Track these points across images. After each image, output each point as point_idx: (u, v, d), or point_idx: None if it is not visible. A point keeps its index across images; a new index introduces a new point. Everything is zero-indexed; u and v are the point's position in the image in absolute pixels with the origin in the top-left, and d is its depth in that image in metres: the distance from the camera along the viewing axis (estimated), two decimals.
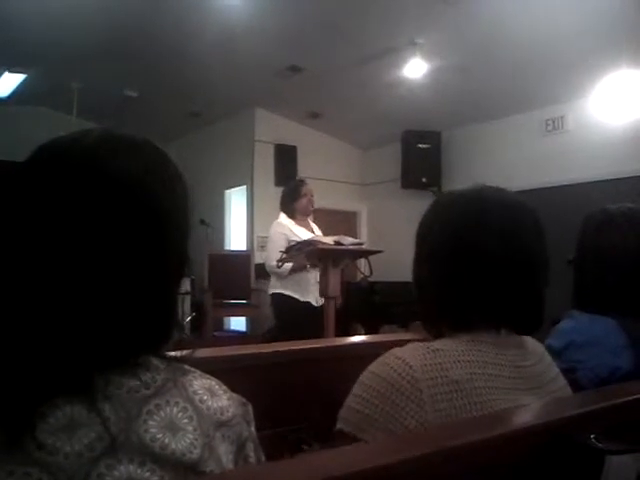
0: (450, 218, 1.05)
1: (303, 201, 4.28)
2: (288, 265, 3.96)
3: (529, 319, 1.03)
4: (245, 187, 7.68)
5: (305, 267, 4.00)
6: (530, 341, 1.06)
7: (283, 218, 4.25)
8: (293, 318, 3.91)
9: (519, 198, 1.07)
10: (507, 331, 1.00)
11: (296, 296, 4.08)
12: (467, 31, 5.08)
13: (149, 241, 0.69)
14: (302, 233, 4.12)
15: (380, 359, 0.93)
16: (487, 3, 4.65)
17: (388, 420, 0.86)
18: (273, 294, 4.18)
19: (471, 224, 1.00)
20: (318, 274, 3.89)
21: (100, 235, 0.65)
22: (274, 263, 3.95)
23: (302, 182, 4.47)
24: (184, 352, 0.75)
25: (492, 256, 0.97)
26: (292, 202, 4.28)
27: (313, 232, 4.28)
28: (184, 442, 0.64)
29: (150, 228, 0.69)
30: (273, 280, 4.19)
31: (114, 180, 0.68)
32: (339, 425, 0.91)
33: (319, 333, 3.46)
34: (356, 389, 0.92)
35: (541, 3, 4.52)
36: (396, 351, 0.92)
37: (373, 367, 0.92)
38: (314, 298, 4.09)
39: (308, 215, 4.38)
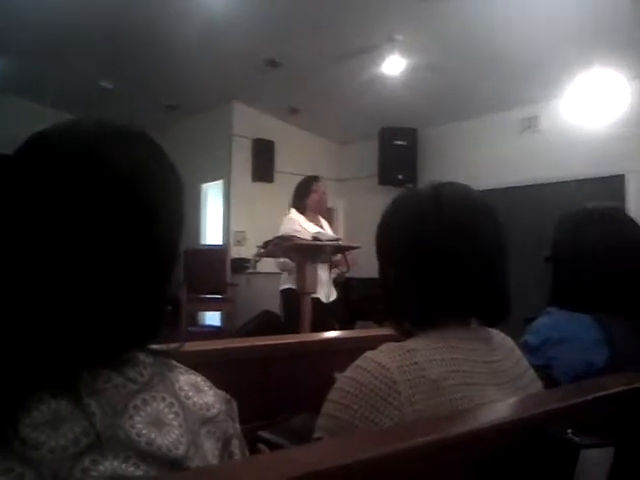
0: (408, 216, 1.05)
1: (315, 197, 4.21)
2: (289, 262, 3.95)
3: (495, 310, 1.04)
4: (222, 182, 7.64)
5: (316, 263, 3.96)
6: (499, 336, 1.06)
7: (294, 213, 4.19)
8: (300, 313, 3.88)
9: (476, 194, 1.08)
10: (476, 324, 1.02)
11: None
12: (445, 29, 5.11)
13: (140, 236, 0.67)
14: (311, 228, 4.07)
15: (355, 363, 0.92)
16: (466, 2, 4.68)
17: (367, 424, 0.85)
18: (283, 290, 4.13)
19: (427, 221, 1.00)
20: (328, 270, 3.91)
21: (90, 229, 0.64)
22: (282, 260, 3.93)
23: (315, 178, 4.35)
24: (170, 346, 0.74)
25: (450, 252, 0.97)
26: (304, 198, 4.21)
27: (323, 228, 4.23)
28: (170, 438, 0.63)
29: (142, 223, 0.68)
30: (284, 276, 4.15)
31: (107, 174, 0.66)
32: (318, 433, 0.89)
33: (327, 328, 3.45)
34: (333, 395, 0.90)
35: (518, 4, 4.57)
36: (371, 354, 0.91)
37: (349, 372, 0.91)
38: (324, 294, 4.06)
39: (320, 211, 4.33)
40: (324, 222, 4.38)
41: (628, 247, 1.39)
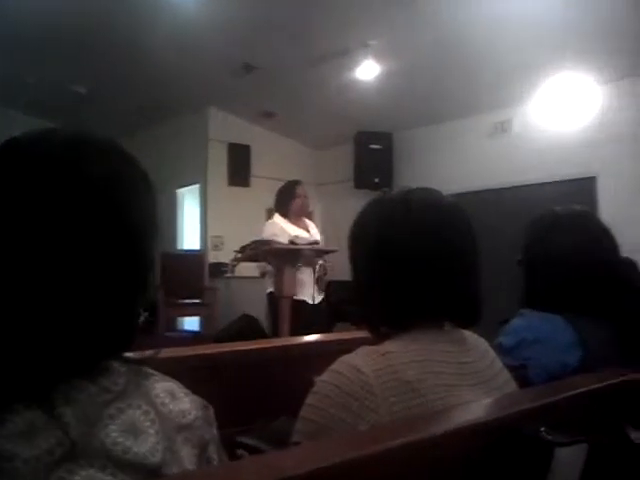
0: (378, 220, 1.06)
1: (298, 201, 4.26)
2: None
3: (467, 312, 1.05)
4: (198, 186, 7.60)
5: (298, 267, 3.98)
6: (472, 337, 1.08)
7: (276, 218, 4.22)
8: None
9: (447, 198, 1.10)
10: (449, 326, 1.03)
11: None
12: (419, 34, 5.15)
13: (113, 243, 0.67)
14: (293, 231, 4.09)
15: (332, 367, 0.92)
16: (439, 7, 4.73)
17: (344, 428, 0.85)
18: (269, 293, 4.14)
19: (397, 224, 1.02)
20: (313, 272, 3.95)
21: (62, 241, 0.63)
22: (263, 263, 3.95)
23: (297, 182, 4.42)
24: (146, 354, 0.74)
25: (420, 254, 0.99)
26: (287, 202, 4.24)
27: (309, 231, 4.27)
28: (146, 445, 0.63)
29: (114, 233, 0.67)
30: (268, 280, 4.16)
31: (79, 181, 0.66)
32: (295, 437, 0.90)
33: (314, 330, 3.47)
34: (310, 399, 0.91)
35: (491, 9, 4.63)
36: (347, 358, 0.92)
37: (325, 376, 0.92)
38: (309, 295, 4.08)
39: (303, 215, 4.36)
40: (310, 224, 4.40)
41: (596, 248, 1.41)
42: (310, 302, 4.10)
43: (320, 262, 4.05)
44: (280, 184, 6.79)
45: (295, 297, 4.03)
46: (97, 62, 6.03)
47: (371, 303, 1.07)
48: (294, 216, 4.25)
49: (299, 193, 4.29)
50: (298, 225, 4.24)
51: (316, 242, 4.06)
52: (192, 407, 0.72)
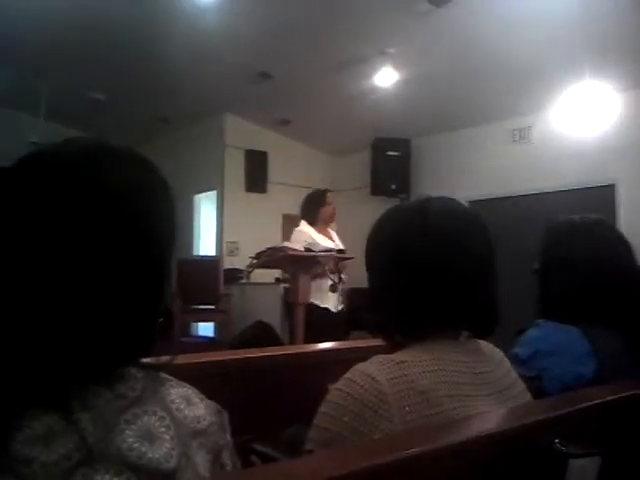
0: (395, 228, 1.07)
1: (328, 209, 4.27)
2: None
3: (483, 322, 1.05)
4: (215, 192, 7.65)
5: (325, 274, 3.99)
6: (488, 347, 1.08)
7: (304, 225, 4.22)
8: (312, 323, 3.90)
9: (464, 206, 1.10)
10: (465, 336, 1.03)
11: (316, 302, 4.08)
12: (437, 42, 5.16)
13: (132, 250, 0.68)
14: (322, 240, 4.11)
15: (346, 376, 0.92)
16: (457, 16, 4.73)
17: (358, 437, 0.85)
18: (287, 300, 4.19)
19: (414, 233, 1.02)
20: (338, 281, 3.96)
21: (81, 247, 0.65)
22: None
23: (326, 190, 4.45)
24: (162, 359, 0.75)
25: (437, 263, 0.99)
26: (316, 209, 4.24)
27: (333, 240, 4.28)
28: (161, 451, 0.64)
29: (134, 237, 0.69)
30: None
31: (100, 189, 0.67)
32: (309, 445, 0.90)
33: (336, 338, 3.52)
34: (324, 407, 0.91)
35: (509, 16, 4.62)
36: (361, 366, 0.92)
37: (339, 384, 0.92)
38: (333, 304, 4.13)
39: (331, 223, 4.39)
40: (334, 234, 4.41)
41: (612, 256, 1.40)
42: (333, 310, 4.14)
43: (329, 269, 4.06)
44: (296, 190, 6.83)
45: (319, 304, 4.07)
46: (116, 69, 6.11)
47: (387, 311, 1.07)
48: (322, 224, 4.26)
49: (329, 201, 4.31)
50: (323, 234, 4.25)
51: (342, 251, 4.07)
52: (207, 413, 0.72)
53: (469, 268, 1.00)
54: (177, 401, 0.70)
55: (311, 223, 4.22)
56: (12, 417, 0.59)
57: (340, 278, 4.05)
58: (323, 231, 4.28)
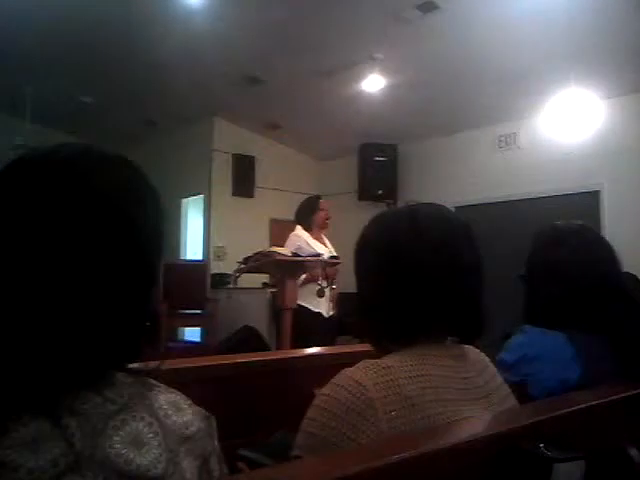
0: (384, 234, 1.07)
1: (321, 214, 4.38)
2: (302, 277, 4.04)
3: (470, 327, 1.06)
4: (202, 197, 7.63)
5: (317, 279, 4.07)
6: (474, 352, 1.08)
7: (299, 230, 4.31)
8: (305, 327, 3.94)
9: (451, 212, 1.11)
10: (451, 341, 1.04)
11: (309, 306, 4.15)
12: (424, 48, 5.19)
13: (120, 254, 0.68)
14: (316, 245, 4.21)
15: (333, 381, 0.93)
16: (444, 22, 4.77)
17: (345, 441, 0.86)
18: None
19: (404, 240, 1.02)
20: (330, 286, 4.06)
21: (70, 252, 0.64)
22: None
23: (319, 196, 4.63)
24: (150, 365, 0.75)
25: (427, 269, 1.00)
26: (310, 215, 4.36)
27: (326, 245, 4.38)
28: (149, 457, 0.64)
29: (121, 245, 0.68)
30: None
31: (89, 192, 0.67)
32: (296, 451, 0.90)
33: (328, 342, 3.68)
34: (311, 412, 0.91)
35: (495, 24, 4.67)
36: (348, 372, 0.93)
37: (326, 390, 0.92)
38: (325, 309, 4.22)
39: (324, 228, 4.48)
40: (326, 240, 4.50)
41: (597, 264, 1.42)
42: (325, 315, 4.23)
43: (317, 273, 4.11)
44: (284, 195, 6.83)
45: (312, 308, 4.14)
46: (103, 72, 6.08)
47: (375, 316, 1.07)
48: (316, 229, 4.37)
49: (322, 207, 4.42)
50: (318, 239, 4.35)
51: (335, 257, 4.13)
52: (195, 418, 0.72)
53: (457, 274, 1.01)
54: (165, 407, 0.70)
55: (306, 228, 4.31)
56: (1, 422, 0.58)
57: (329, 283, 4.09)
58: (318, 237, 4.37)
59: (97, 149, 0.74)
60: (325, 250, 4.25)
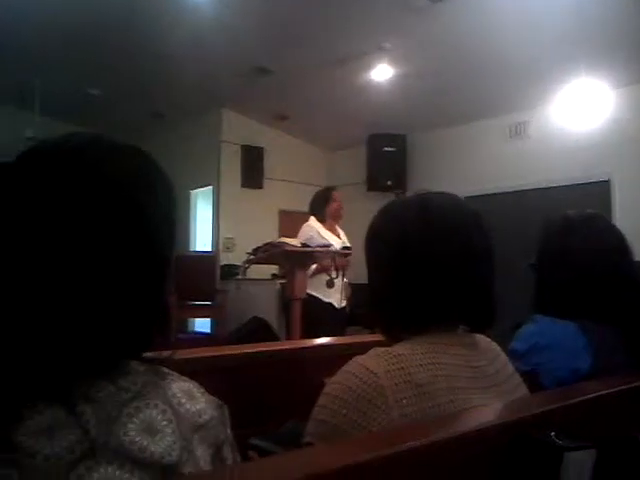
0: (395, 222, 1.07)
1: (334, 205, 4.43)
2: (313, 267, 4.09)
3: (482, 316, 1.06)
4: (211, 188, 7.64)
5: (329, 269, 4.10)
6: (485, 341, 1.08)
7: (313, 221, 4.37)
8: (315, 317, 3.97)
9: (462, 201, 1.10)
10: (462, 330, 1.04)
11: (320, 296, 4.20)
12: (433, 38, 5.16)
13: (133, 247, 0.68)
14: (329, 237, 4.26)
15: (344, 368, 0.93)
16: (453, 11, 4.73)
17: (356, 429, 0.86)
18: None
19: (413, 226, 1.02)
20: (341, 277, 4.10)
21: (83, 241, 0.65)
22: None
23: (333, 188, 4.69)
24: (163, 354, 0.75)
25: (438, 257, 0.99)
26: (324, 206, 4.41)
27: (339, 236, 4.41)
28: (163, 444, 0.64)
29: (134, 234, 0.69)
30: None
31: (98, 181, 0.68)
32: (307, 438, 0.90)
33: (338, 333, 3.70)
34: (322, 400, 0.92)
35: (506, 13, 4.63)
36: (359, 359, 0.93)
37: (338, 377, 0.92)
38: (336, 300, 4.26)
39: (338, 219, 4.53)
40: (340, 231, 4.53)
41: (608, 253, 1.41)
42: (337, 306, 4.25)
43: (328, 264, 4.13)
44: (292, 186, 6.84)
45: (323, 298, 4.19)
46: (112, 65, 6.08)
47: (386, 306, 1.07)
48: (330, 220, 4.41)
49: (335, 198, 4.46)
50: (331, 230, 4.38)
51: (347, 248, 4.15)
52: (208, 407, 0.73)
53: (468, 263, 1.01)
54: (179, 395, 0.71)
55: (320, 220, 4.36)
56: (15, 409, 0.59)
57: (339, 274, 4.10)
58: (331, 228, 4.41)
59: (107, 138, 0.75)
60: (337, 241, 4.27)
